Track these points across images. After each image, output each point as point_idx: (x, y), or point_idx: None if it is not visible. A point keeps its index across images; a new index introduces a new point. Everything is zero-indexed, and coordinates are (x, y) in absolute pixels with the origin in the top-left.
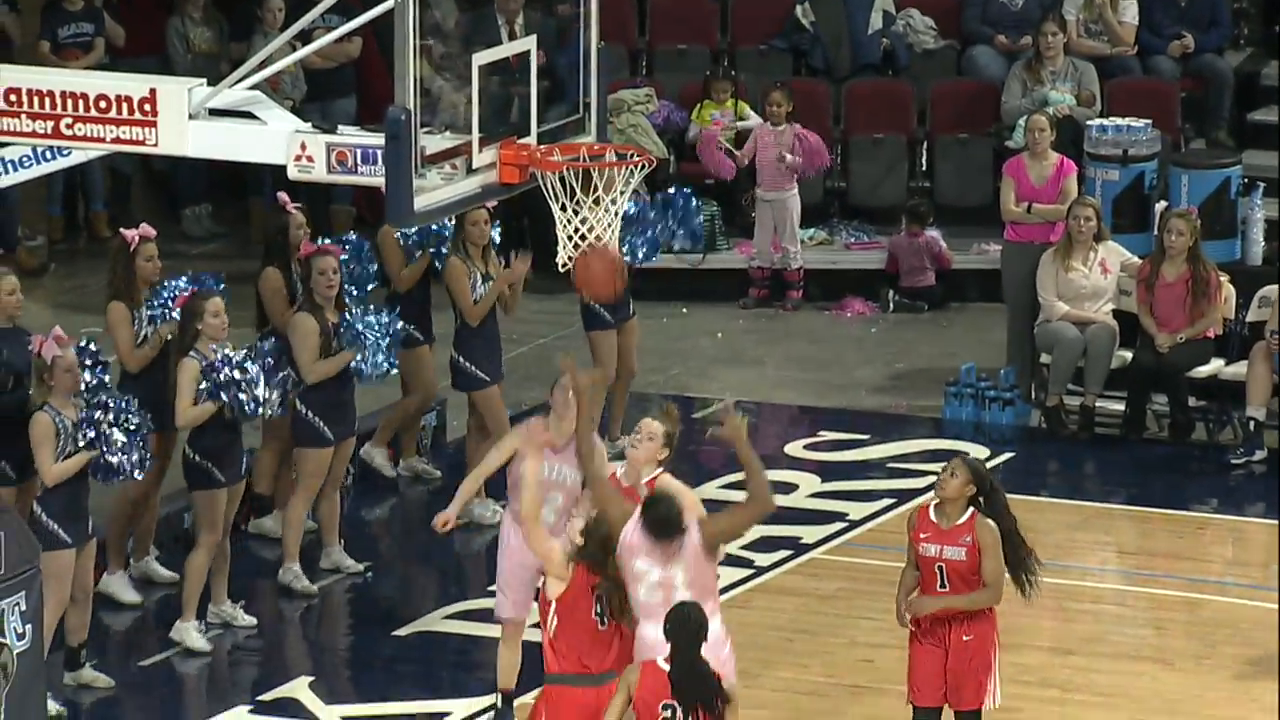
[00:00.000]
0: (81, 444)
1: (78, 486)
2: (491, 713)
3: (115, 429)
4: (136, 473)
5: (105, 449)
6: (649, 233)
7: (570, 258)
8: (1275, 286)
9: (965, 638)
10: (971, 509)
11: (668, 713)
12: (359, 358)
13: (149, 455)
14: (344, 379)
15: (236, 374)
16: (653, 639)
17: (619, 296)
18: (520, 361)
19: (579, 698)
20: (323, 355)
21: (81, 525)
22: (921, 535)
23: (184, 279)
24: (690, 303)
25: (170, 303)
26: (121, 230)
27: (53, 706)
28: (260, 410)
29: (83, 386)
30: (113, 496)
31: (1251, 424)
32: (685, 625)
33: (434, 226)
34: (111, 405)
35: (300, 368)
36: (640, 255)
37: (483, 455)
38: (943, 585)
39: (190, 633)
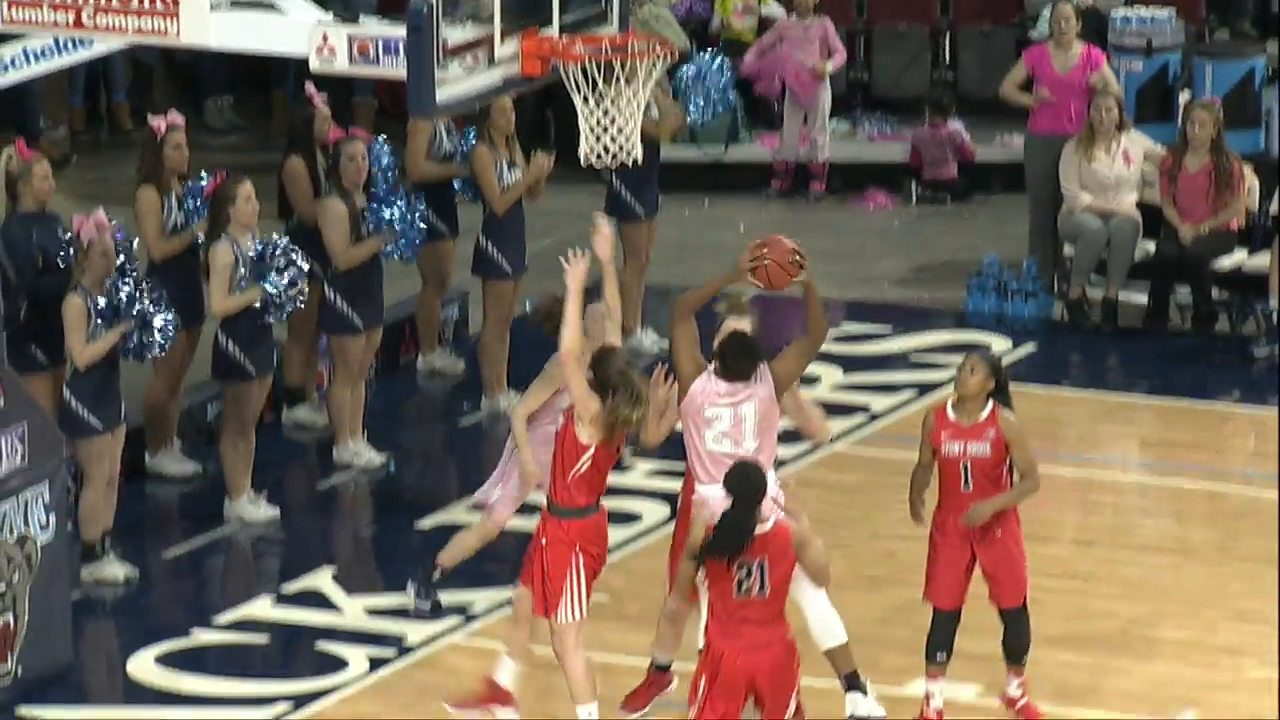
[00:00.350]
0: (105, 324)
1: (108, 371)
2: (438, 573)
3: (148, 302)
4: (164, 347)
5: (138, 321)
6: (709, 91)
7: (591, 150)
8: None
9: (997, 533)
10: (992, 403)
11: (743, 572)
12: (388, 246)
13: (177, 327)
14: (373, 266)
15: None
16: (714, 499)
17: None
18: (542, 253)
19: (593, 521)
20: (352, 240)
21: (113, 409)
22: (943, 434)
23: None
24: (712, 195)
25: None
26: (150, 118)
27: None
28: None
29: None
30: (144, 388)
31: (1275, 315)
32: (746, 482)
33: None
34: (144, 282)
35: (332, 254)
36: (702, 113)
37: (495, 350)
38: (967, 485)
39: (245, 507)
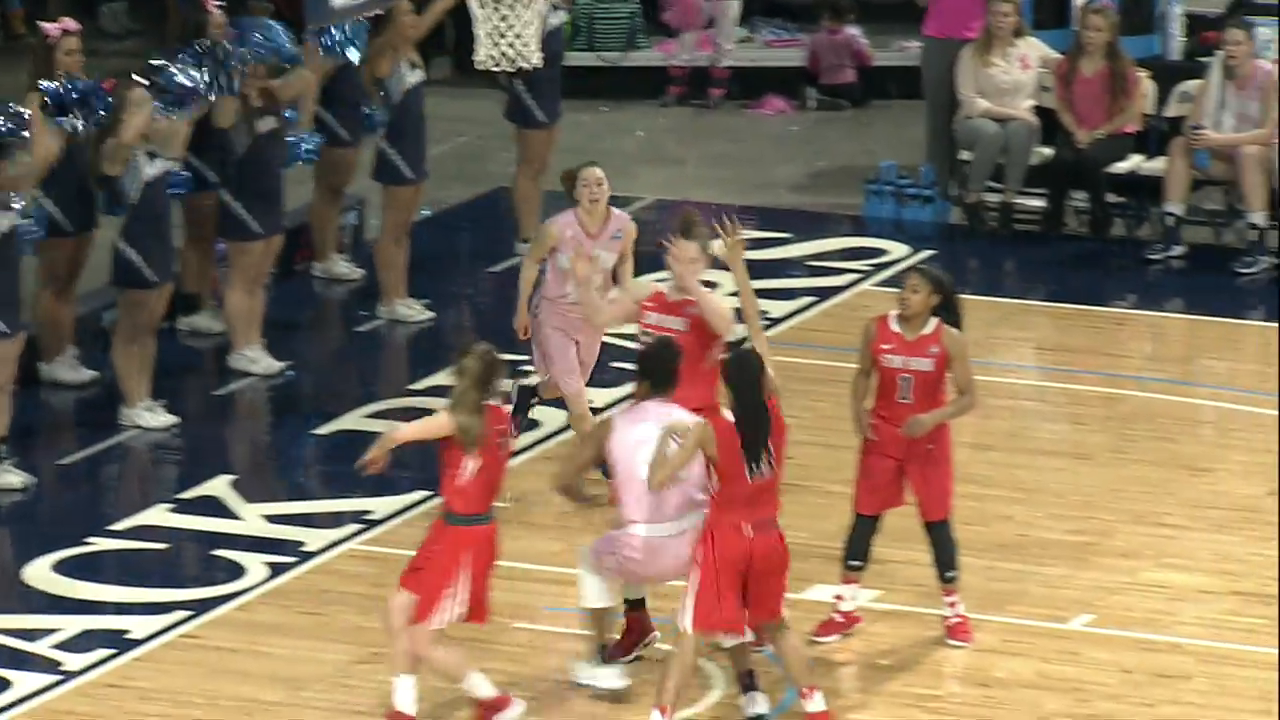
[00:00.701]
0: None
1: (9, 277)
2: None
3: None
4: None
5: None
6: None
7: (488, 55)
8: (1194, 82)
9: (929, 446)
10: (936, 319)
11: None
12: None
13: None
14: (272, 172)
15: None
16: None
17: None
18: (441, 159)
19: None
20: (248, 139)
21: (13, 314)
22: (884, 346)
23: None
24: (610, 101)
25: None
26: (41, 25)
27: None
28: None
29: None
30: (36, 294)
31: (1170, 219)
32: (746, 369)
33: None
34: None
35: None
36: None
37: (392, 256)
38: (904, 397)
39: (141, 414)
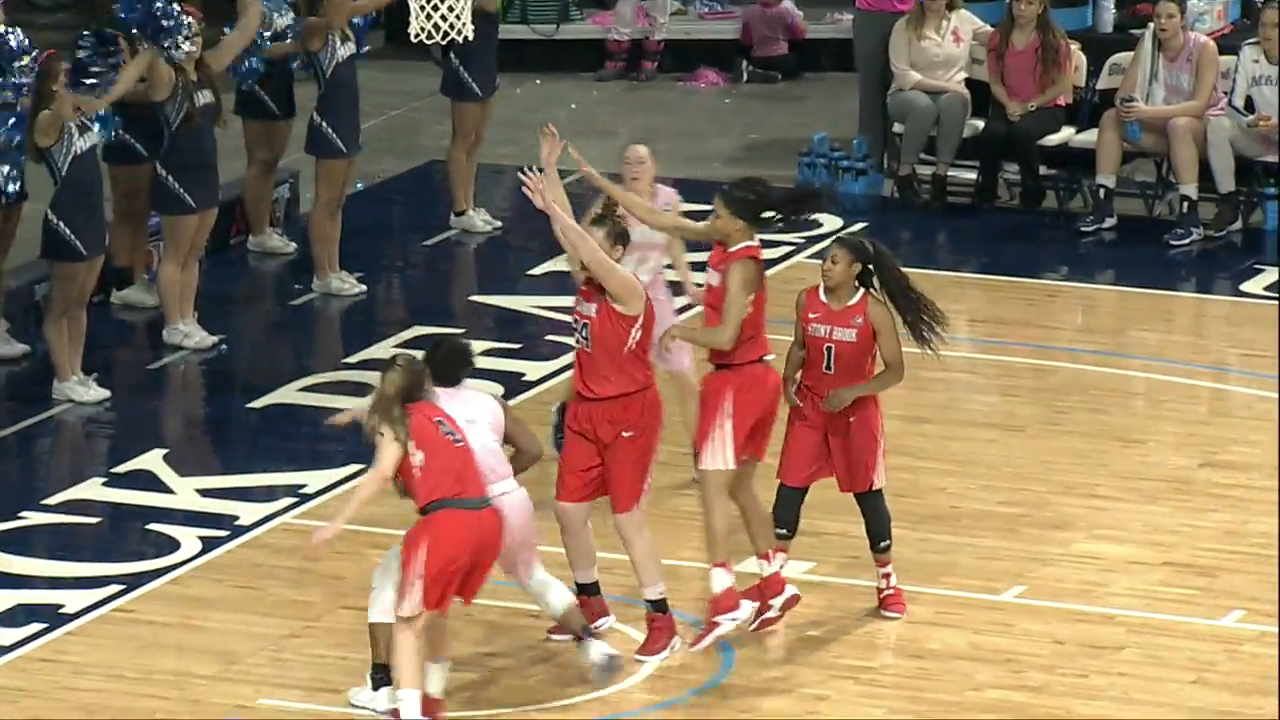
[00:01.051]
0: None
1: None
2: None
3: None
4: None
5: None
6: None
7: (421, 28)
8: (1126, 54)
9: (850, 419)
10: (863, 289)
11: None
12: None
13: (18, 179)
14: (207, 145)
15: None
16: None
17: None
18: (374, 133)
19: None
20: (180, 109)
21: None
22: (811, 315)
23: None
24: (543, 74)
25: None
26: None
27: None
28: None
29: None
30: None
31: (1101, 191)
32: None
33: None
34: None
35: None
36: None
37: (326, 229)
38: (828, 367)
39: (74, 388)
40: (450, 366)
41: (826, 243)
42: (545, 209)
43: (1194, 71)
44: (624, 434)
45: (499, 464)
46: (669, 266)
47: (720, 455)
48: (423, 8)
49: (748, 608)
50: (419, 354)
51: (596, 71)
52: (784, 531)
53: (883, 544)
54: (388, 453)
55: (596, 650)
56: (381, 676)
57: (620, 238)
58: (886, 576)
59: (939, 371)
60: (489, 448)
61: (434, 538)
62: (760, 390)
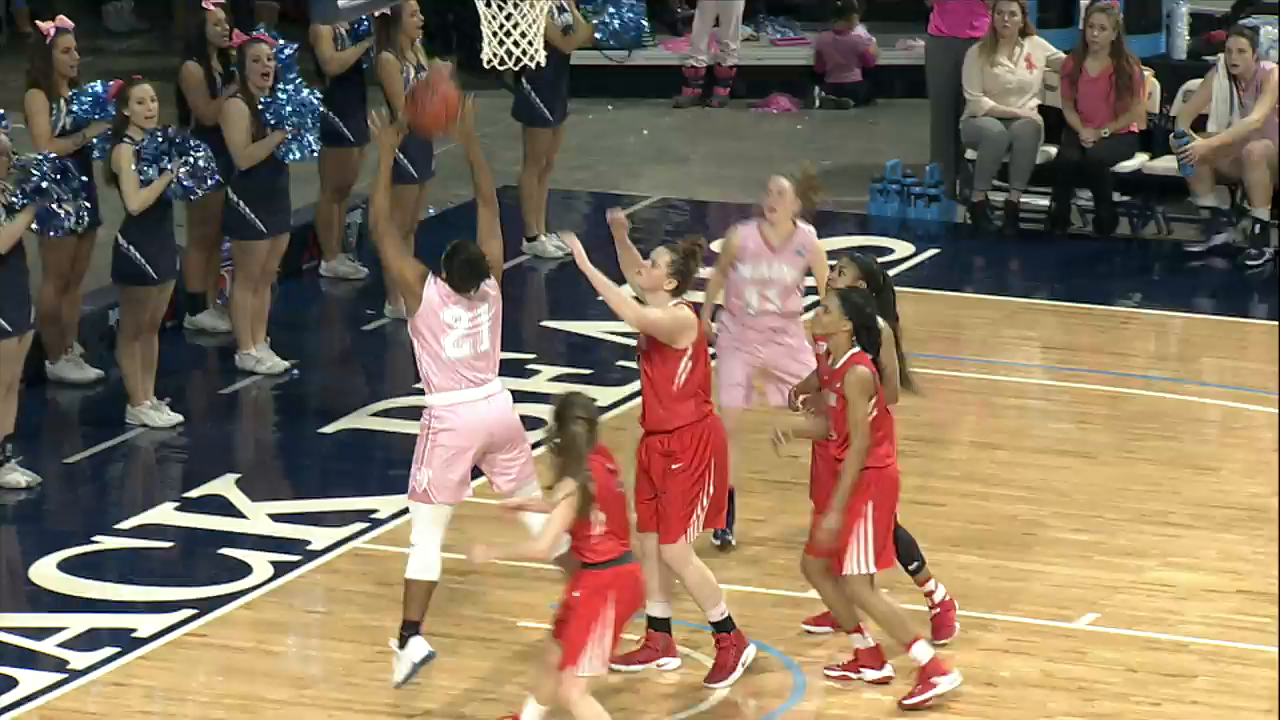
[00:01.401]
0: (18, 203)
1: (15, 275)
2: None
3: (54, 183)
4: (80, 222)
5: (47, 200)
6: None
7: (494, 54)
8: (1199, 81)
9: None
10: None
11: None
12: (286, 146)
13: (89, 210)
14: (278, 171)
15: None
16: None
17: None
18: (446, 159)
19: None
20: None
21: (22, 313)
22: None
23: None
24: (616, 100)
25: (98, 101)
26: (37, 22)
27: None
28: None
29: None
30: (41, 292)
31: (1256, 225)
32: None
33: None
34: (48, 164)
35: (233, 153)
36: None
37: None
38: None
39: (147, 412)
40: (469, 277)
41: (900, 269)
42: (583, 269)
43: (1257, 95)
44: (672, 466)
45: (494, 364)
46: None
47: (863, 560)
48: (495, 34)
49: (954, 675)
50: (588, 395)
51: (673, 98)
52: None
53: (911, 566)
54: (567, 515)
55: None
56: (410, 633)
57: (681, 275)
58: (929, 595)
59: (1012, 398)
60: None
61: (619, 597)
62: (896, 493)
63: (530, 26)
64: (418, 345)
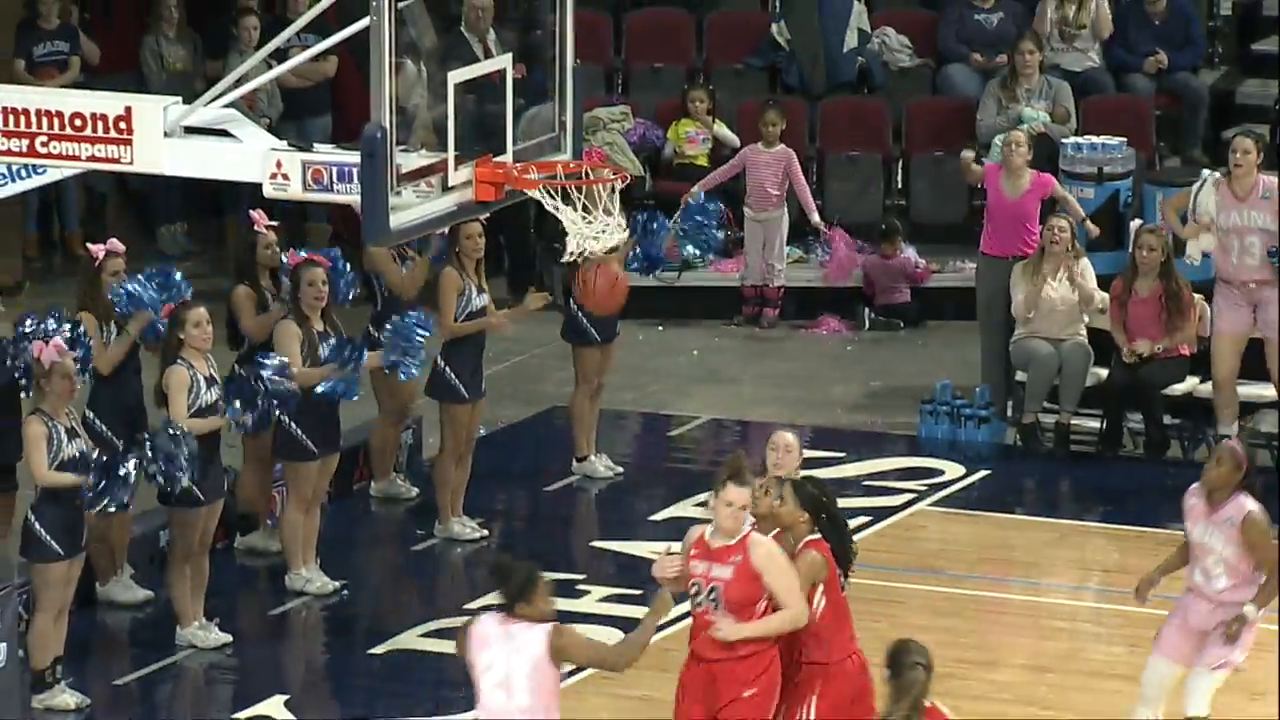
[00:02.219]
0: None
1: (73, 498)
2: None
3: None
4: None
5: (113, 484)
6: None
7: (579, 266)
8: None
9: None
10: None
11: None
12: (405, 361)
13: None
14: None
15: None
16: None
17: (619, 310)
18: (497, 380)
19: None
20: (306, 364)
21: (76, 536)
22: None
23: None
24: (666, 320)
25: (138, 302)
26: (88, 245)
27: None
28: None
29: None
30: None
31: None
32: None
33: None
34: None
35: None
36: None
37: (449, 473)
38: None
39: (196, 634)
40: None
41: (949, 490)
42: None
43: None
44: (745, 693)
45: None
46: None
47: None
48: (579, 233)
49: None
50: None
51: (735, 318)
52: None
53: None
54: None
55: None
56: None
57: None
58: None
59: (1063, 621)
60: None
61: None
62: (852, 690)
63: (602, 232)
64: None
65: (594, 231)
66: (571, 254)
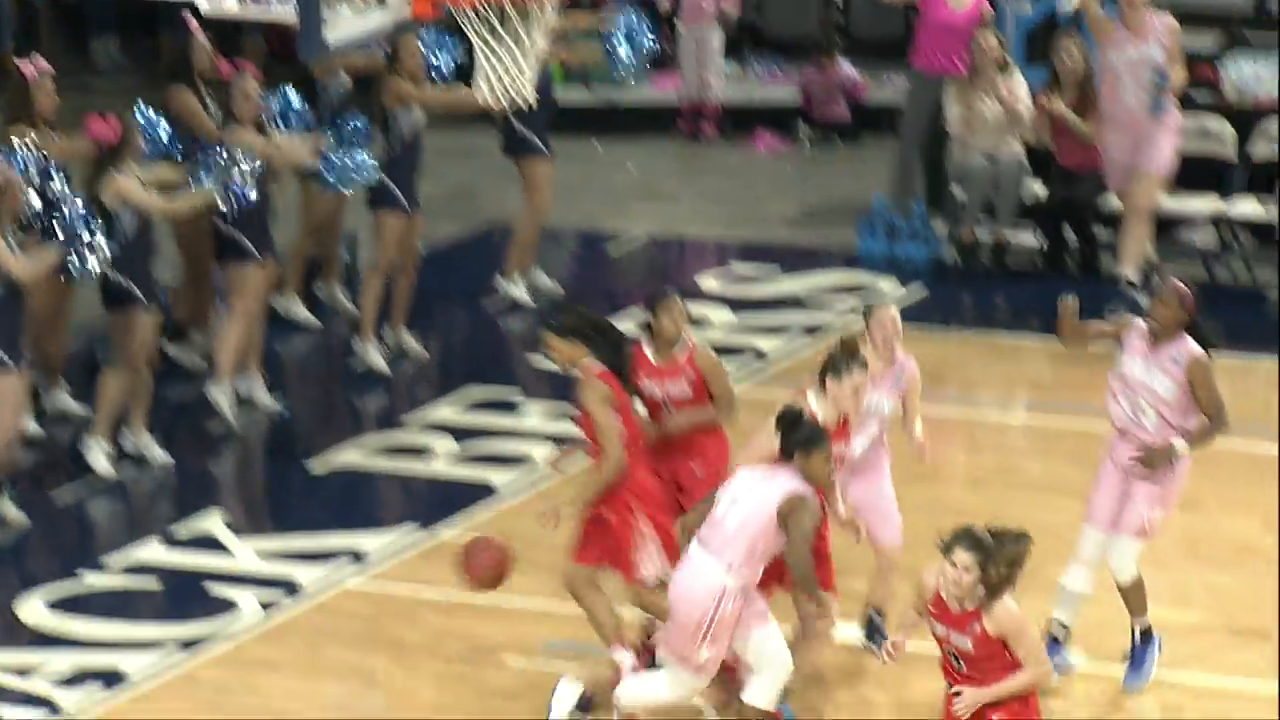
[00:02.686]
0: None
1: (16, 313)
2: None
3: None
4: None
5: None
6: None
7: (489, 93)
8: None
9: None
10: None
11: None
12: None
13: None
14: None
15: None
16: None
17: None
18: (433, 199)
19: None
20: None
21: (17, 352)
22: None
23: None
24: (603, 137)
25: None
26: (17, 64)
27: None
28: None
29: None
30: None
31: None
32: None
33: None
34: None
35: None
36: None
37: (378, 285)
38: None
39: (96, 453)
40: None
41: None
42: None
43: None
44: None
45: None
46: None
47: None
48: (490, 74)
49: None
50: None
51: (672, 133)
52: None
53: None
54: None
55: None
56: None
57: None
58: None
59: (999, 436)
60: None
61: None
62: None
63: (524, 68)
64: None
65: (501, 76)
66: (482, 101)
